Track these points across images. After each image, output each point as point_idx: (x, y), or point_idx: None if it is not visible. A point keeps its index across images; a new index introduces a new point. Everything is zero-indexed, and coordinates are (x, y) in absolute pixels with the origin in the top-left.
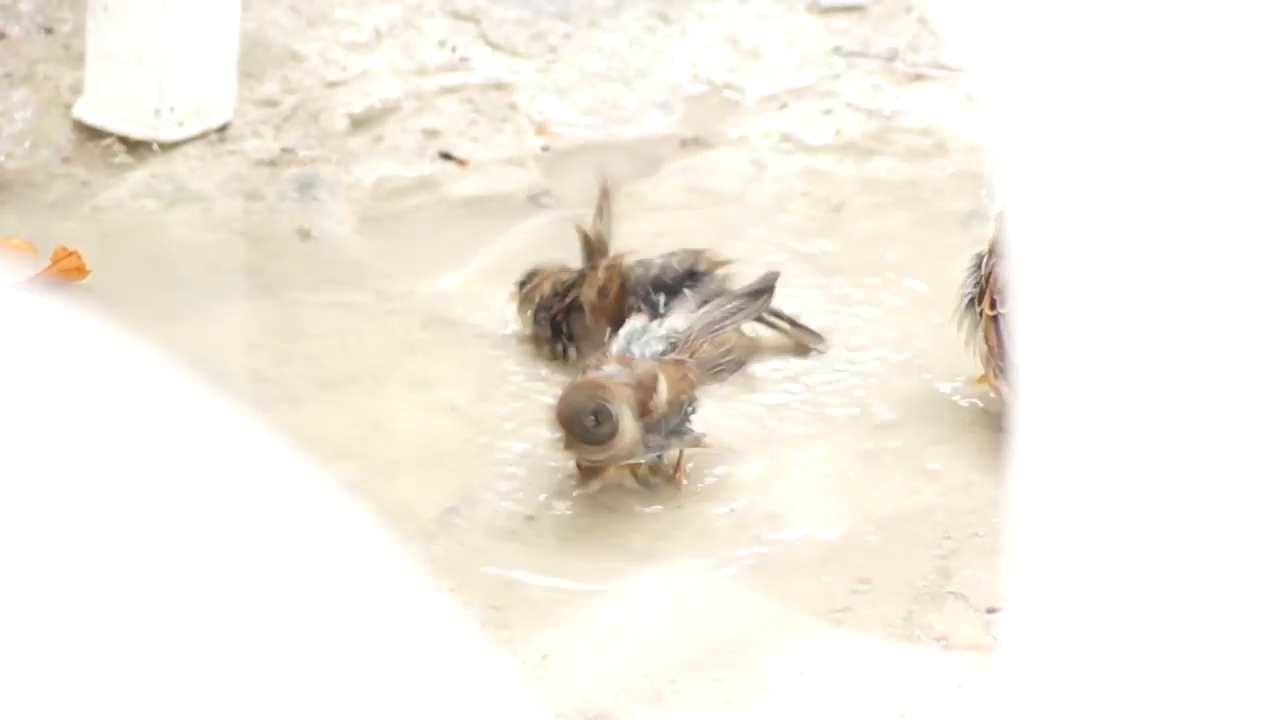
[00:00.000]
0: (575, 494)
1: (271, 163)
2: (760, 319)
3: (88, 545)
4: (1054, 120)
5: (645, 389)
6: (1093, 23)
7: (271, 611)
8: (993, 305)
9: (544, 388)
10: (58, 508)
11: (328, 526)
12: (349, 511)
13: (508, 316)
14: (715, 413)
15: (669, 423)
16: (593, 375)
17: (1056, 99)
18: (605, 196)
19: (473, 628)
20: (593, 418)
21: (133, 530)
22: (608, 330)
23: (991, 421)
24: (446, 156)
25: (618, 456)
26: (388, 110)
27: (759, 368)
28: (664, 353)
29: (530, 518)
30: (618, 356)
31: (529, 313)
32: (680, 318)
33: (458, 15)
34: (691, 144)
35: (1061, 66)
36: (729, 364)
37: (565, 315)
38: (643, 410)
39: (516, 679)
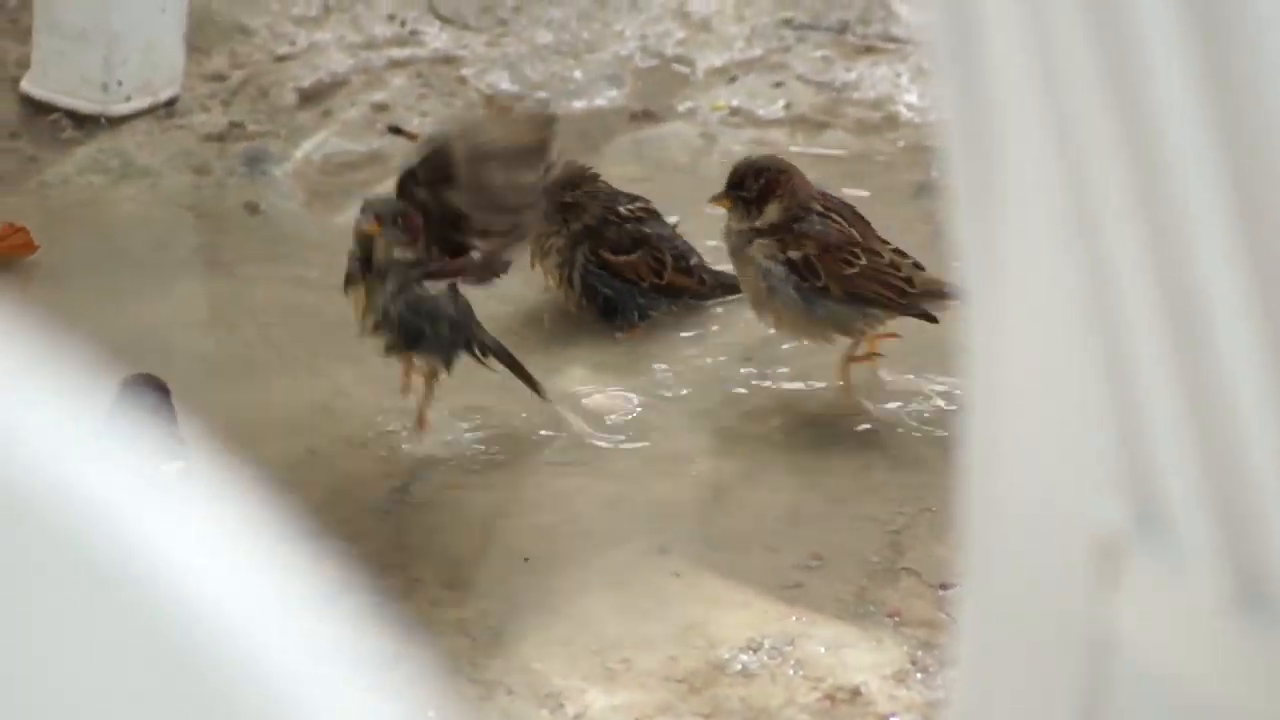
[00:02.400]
0: (525, 472)
1: (220, 137)
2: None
3: None
4: (999, 92)
5: None
6: None
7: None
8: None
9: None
10: None
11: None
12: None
13: None
14: (666, 385)
15: None
16: None
17: (1002, 70)
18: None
19: (421, 607)
20: None
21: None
22: None
23: (944, 396)
24: (396, 131)
25: None
26: (336, 84)
27: (703, 341)
28: None
29: (480, 496)
30: None
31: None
32: None
33: None
34: (641, 117)
35: (1008, 38)
36: None
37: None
38: None
39: (465, 659)
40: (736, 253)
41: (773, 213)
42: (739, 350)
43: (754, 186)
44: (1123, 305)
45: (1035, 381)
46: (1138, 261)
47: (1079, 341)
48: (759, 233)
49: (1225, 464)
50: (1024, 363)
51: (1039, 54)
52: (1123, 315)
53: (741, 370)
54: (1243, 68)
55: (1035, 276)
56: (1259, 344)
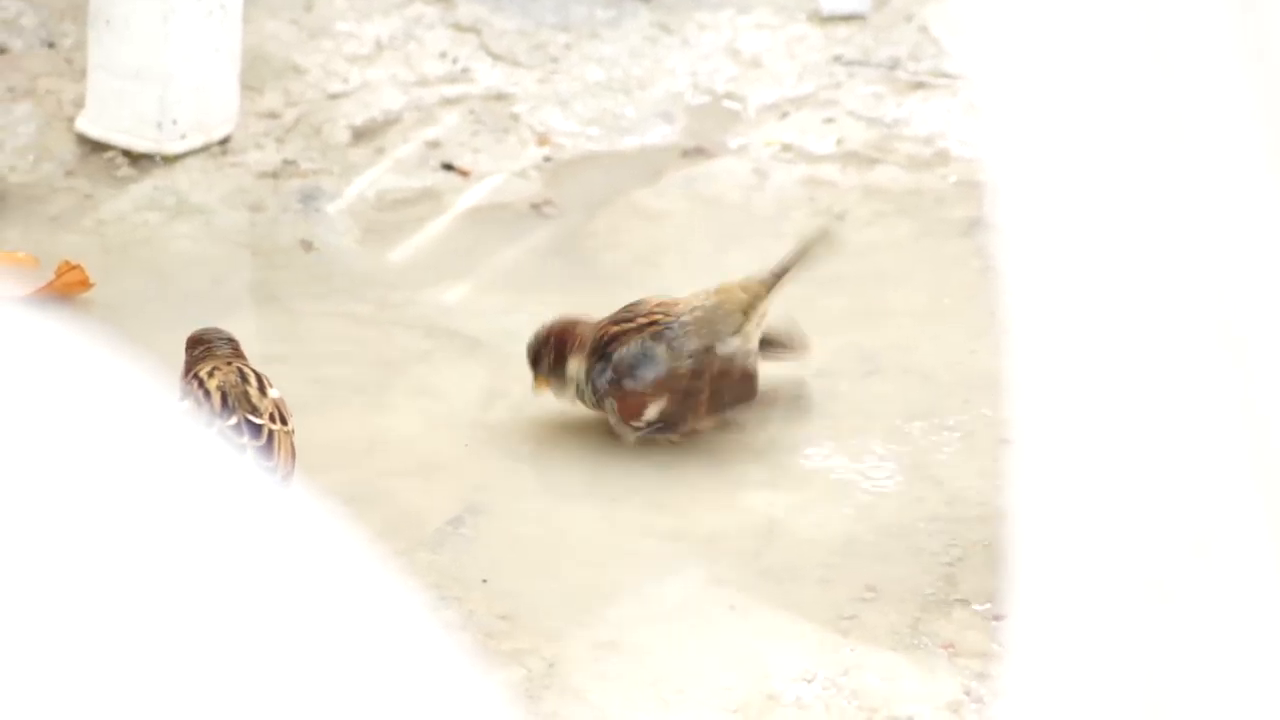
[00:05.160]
0: (580, 505)
1: (274, 174)
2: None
3: (70, 565)
4: (1049, 128)
5: None
6: (1088, 29)
7: (256, 632)
8: None
9: (546, 398)
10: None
11: (313, 543)
12: (337, 526)
13: (507, 326)
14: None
15: None
16: None
17: (1052, 107)
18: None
19: (477, 639)
20: None
21: (116, 549)
22: None
23: (996, 428)
24: (448, 167)
25: None
26: (389, 122)
27: (764, 376)
28: None
29: (534, 528)
30: None
31: None
32: None
33: (459, 26)
34: (693, 154)
35: (1058, 74)
36: None
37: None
38: None
39: (521, 691)
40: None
41: (574, 368)
42: (789, 386)
43: (548, 356)
44: (1175, 333)
45: (1085, 411)
46: (1185, 289)
47: (1128, 370)
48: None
49: None
50: (1073, 392)
51: (1089, 83)
52: (1175, 342)
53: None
54: None
55: (1080, 308)
56: None
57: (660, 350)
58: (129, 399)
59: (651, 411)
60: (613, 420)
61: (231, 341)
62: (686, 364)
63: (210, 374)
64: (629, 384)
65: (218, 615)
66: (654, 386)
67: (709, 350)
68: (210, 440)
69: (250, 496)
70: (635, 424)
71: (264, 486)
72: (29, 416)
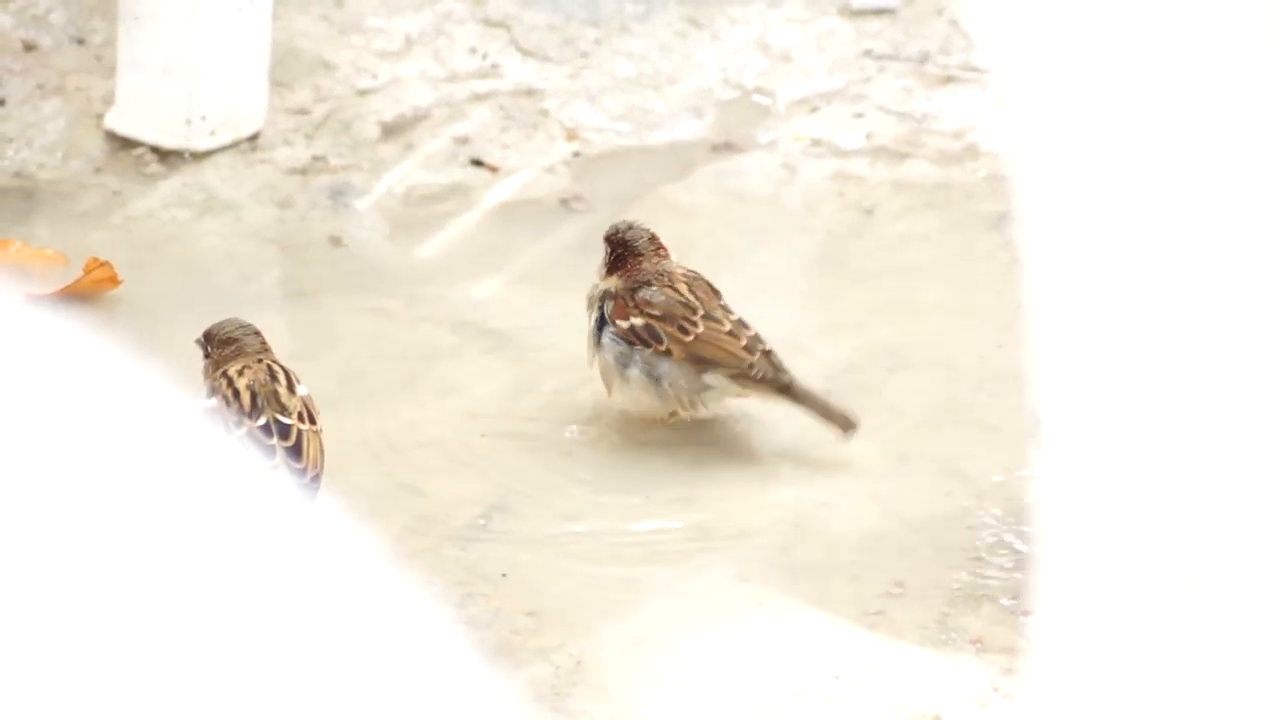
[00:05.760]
0: (608, 500)
1: (303, 171)
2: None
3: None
4: (1077, 121)
5: None
6: (1116, 23)
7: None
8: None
9: (574, 394)
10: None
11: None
12: (359, 528)
13: (536, 322)
14: (751, 416)
15: None
16: None
17: (1080, 100)
18: None
19: (504, 636)
20: None
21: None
22: None
23: (1023, 423)
24: (477, 163)
25: None
26: (418, 117)
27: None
28: None
29: (562, 524)
30: None
31: None
32: None
33: (488, 22)
34: (722, 148)
35: (1085, 68)
36: None
37: None
38: None
39: (548, 687)
40: None
41: (613, 282)
42: (817, 381)
43: (609, 256)
44: (1203, 327)
45: (1112, 405)
46: (1214, 284)
47: (1156, 364)
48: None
49: None
50: (1100, 387)
51: (1104, 78)
52: (1203, 336)
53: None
54: None
55: (1101, 302)
56: None
57: (671, 294)
58: (147, 401)
59: (638, 321)
60: (600, 324)
61: (258, 334)
62: (685, 308)
63: (240, 372)
64: (639, 294)
65: (233, 618)
66: (653, 307)
67: (709, 315)
68: (229, 443)
69: (269, 500)
70: (620, 323)
71: (283, 490)
72: (47, 419)
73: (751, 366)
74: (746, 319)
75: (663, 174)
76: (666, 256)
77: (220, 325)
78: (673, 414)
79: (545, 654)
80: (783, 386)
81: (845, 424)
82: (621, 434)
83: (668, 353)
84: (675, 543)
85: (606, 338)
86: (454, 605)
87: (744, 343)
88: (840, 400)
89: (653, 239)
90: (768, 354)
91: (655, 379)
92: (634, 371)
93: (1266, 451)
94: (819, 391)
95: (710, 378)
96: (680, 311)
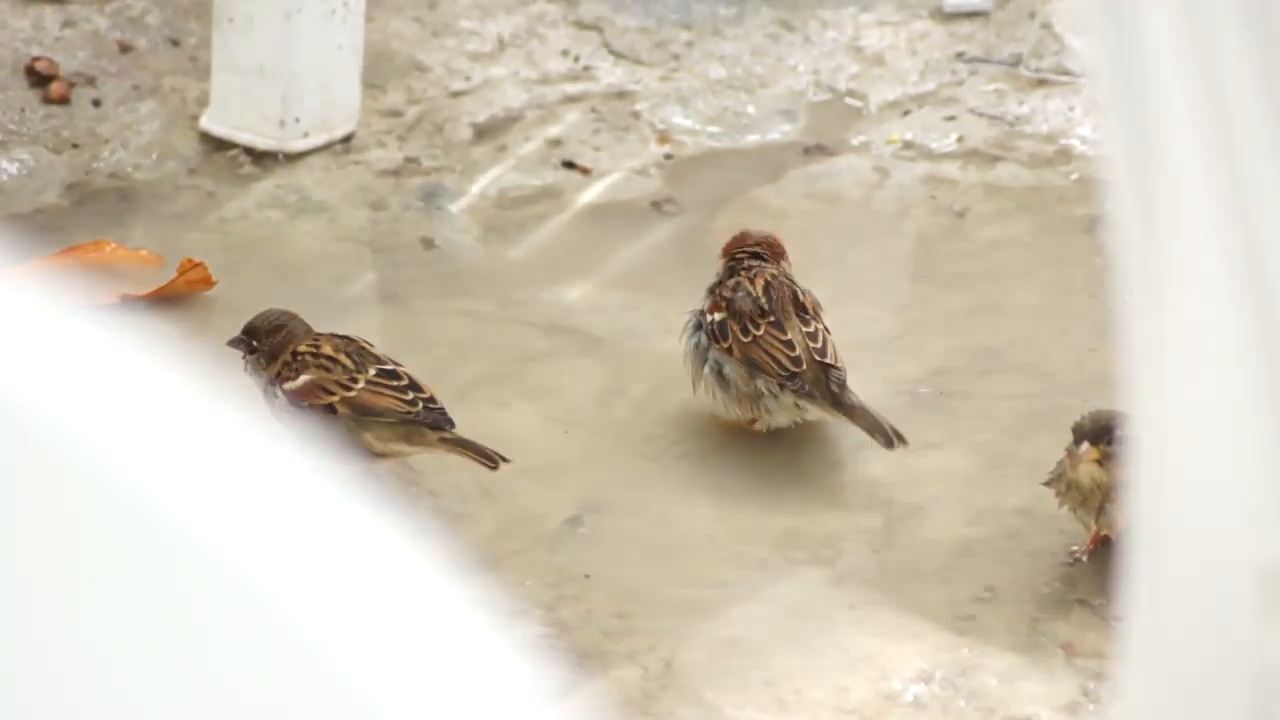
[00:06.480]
0: (698, 504)
1: (396, 173)
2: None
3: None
4: (1170, 125)
5: None
6: (1208, 28)
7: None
8: None
9: (665, 397)
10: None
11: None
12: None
13: (628, 324)
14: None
15: None
16: None
17: (1166, 101)
18: None
19: (594, 638)
20: None
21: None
22: None
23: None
24: (569, 165)
25: None
26: (511, 119)
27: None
28: None
29: (652, 527)
30: None
31: None
32: None
33: (580, 24)
34: (814, 151)
35: (1171, 68)
36: None
37: None
38: None
39: (637, 690)
40: None
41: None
42: (908, 384)
43: (744, 250)
44: None
45: (1200, 411)
46: None
47: (1244, 371)
48: None
49: None
50: (1188, 393)
51: (1203, 83)
52: None
53: (918, 393)
54: None
55: (1199, 306)
56: None
57: (755, 293)
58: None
59: (718, 316)
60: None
61: (297, 317)
62: (758, 307)
63: (316, 344)
64: (725, 292)
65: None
66: (728, 302)
67: (777, 323)
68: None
69: (357, 503)
70: (708, 316)
71: (350, 497)
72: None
73: (793, 378)
74: (824, 332)
75: (754, 177)
76: (784, 259)
77: (261, 318)
78: (752, 421)
79: (635, 657)
80: (833, 402)
81: (889, 441)
82: (711, 438)
83: (729, 351)
84: (765, 546)
85: (692, 329)
86: (544, 607)
87: (796, 353)
88: (886, 419)
89: (772, 244)
90: (826, 369)
91: (723, 379)
92: (707, 369)
93: None
94: (871, 409)
95: (761, 383)
96: (750, 309)
